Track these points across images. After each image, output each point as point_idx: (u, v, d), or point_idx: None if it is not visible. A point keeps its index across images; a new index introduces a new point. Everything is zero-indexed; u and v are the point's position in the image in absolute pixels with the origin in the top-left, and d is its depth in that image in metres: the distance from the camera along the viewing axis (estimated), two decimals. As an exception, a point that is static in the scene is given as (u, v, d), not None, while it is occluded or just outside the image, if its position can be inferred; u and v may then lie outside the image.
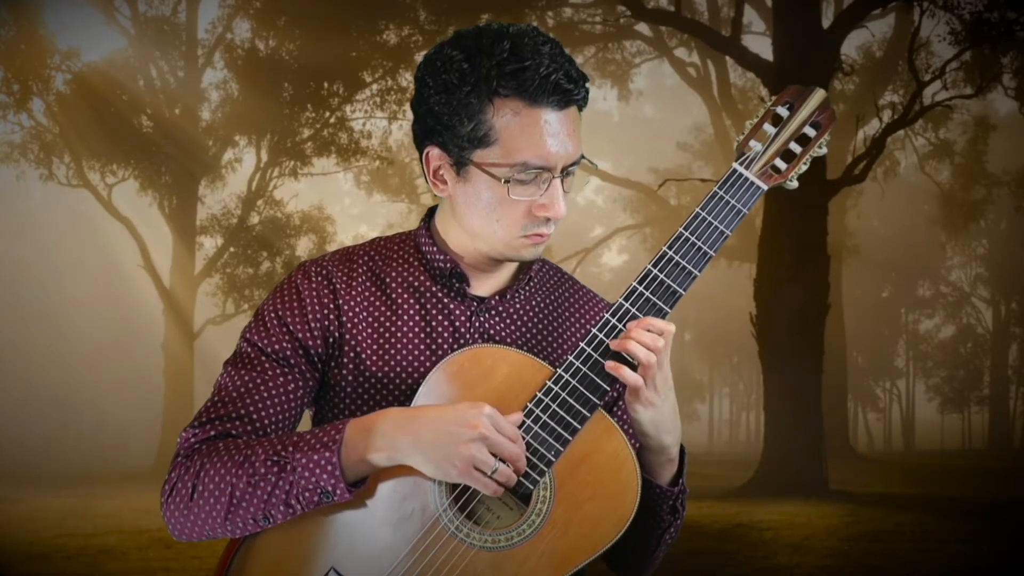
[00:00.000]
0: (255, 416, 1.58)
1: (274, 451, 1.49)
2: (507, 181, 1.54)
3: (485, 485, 1.45)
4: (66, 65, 21.00)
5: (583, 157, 1.60)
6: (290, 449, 1.48)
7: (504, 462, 1.46)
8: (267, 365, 1.60)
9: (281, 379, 1.60)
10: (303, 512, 1.49)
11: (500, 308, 1.67)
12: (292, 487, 1.47)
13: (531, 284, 1.71)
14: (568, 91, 1.53)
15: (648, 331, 1.51)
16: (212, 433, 1.56)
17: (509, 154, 1.53)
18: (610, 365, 1.52)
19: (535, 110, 1.52)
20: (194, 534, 1.55)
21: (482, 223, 1.59)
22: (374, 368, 1.62)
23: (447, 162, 1.59)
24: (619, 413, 1.72)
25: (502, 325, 1.66)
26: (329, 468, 1.46)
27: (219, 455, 1.51)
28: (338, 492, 1.47)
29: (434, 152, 1.60)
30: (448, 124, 1.55)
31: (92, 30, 23.38)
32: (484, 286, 1.68)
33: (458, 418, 1.45)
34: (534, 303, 1.70)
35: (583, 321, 1.74)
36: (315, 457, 1.46)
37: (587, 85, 1.58)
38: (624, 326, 1.54)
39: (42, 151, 21.66)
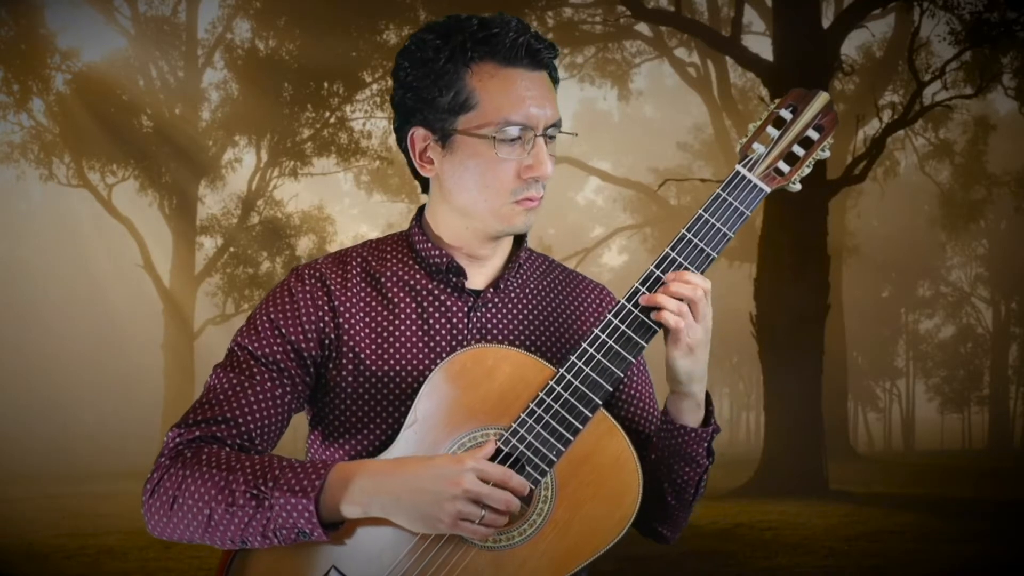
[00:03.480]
0: (241, 420, 1.58)
1: (255, 482, 1.48)
2: (494, 137, 1.56)
3: (474, 532, 1.45)
4: (66, 65, 21.00)
5: (560, 124, 1.62)
6: (270, 484, 1.47)
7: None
8: (256, 369, 1.60)
9: (269, 384, 1.60)
10: (281, 545, 1.50)
11: (496, 299, 1.68)
12: (269, 522, 1.47)
13: (522, 271, 1.72)
14: (538, 51, 1.58)
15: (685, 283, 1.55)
16: (197, 434, 1.56)
17: (491, 114, 1.56)
18: (646, 298, 1.55)
19: (510, 70, 1.57)
20: (173, 537, 1.56)
21: (472, 194, 1.60)
22: (374, 368, 1.62)
23: (432, 139, 1.61)
24: (623, 399, 1.73)
25: (499, 316, 1.67)
26: (306, 515, 1.46)
27: (201, 469, 1.51)
28: (315, 535, 1.47)
29: (418, 133, 1.62)
30: (428, 98, 1.58)
31: (92, 30, 23.36)
32: (478, 278, 1.68)
33: (439, 476, 1.44)
34: (528, 290, 1.71)
35: (577, 304, 1.75)
36: (292, 500, 1.46)
37: (557, 53, 1.63)
38: (626, 326, 1.55)
39: (42, 151, 21.63)
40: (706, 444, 1.65)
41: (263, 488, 1.47)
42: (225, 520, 1.49)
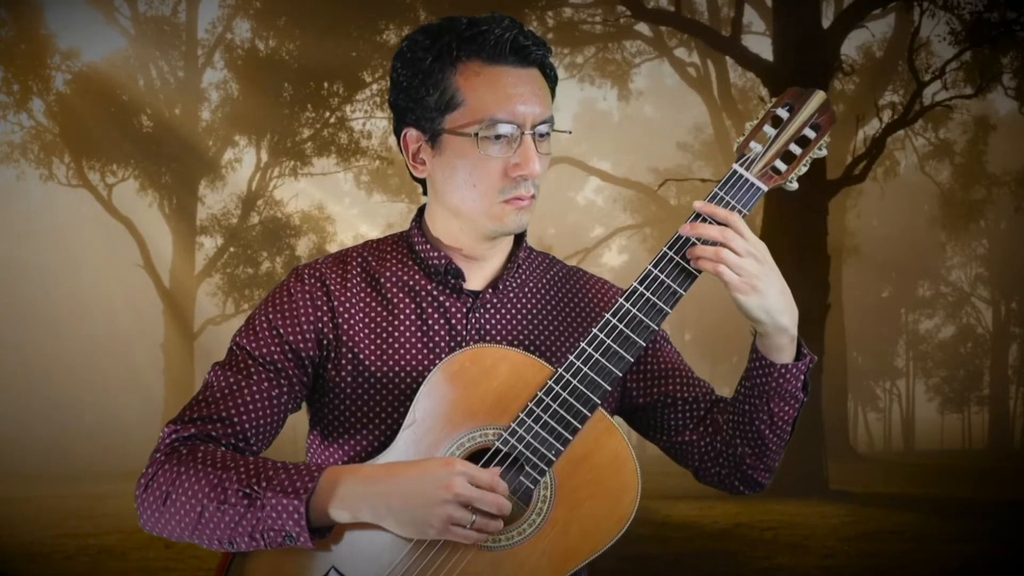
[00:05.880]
0: (236, 420, 1.58)
1: (248, 481, 1.48)
2: (477, 135, 1.55)
3: (466, 537, 1.44)
4: (66, 65, 20.99)
5: (553, 123, 1.61)
6: (263, 484, 1.47)
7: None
8: (253, 370, 1.61)
9: (266, 384, 1.60)
10: (268, 549, 1.49)
11: (495, 300, 1.68)
12: (259, 523, 1.47)
13: (521, 271, 1.71)
14: (525, 47, 1.57)
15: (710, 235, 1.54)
16: (193, 431, 1.57)
17: (476, 112, 1.56)
18: (694, 253, 1.55)
19: (496, 68, 1.57)
20: (164, 533, 1.56)
21: (461, 193, 1.60)
22: (373, 368, 1.62)
23: (423, 140, 1.62)
24: (660, 374, 1.73)
25: (498, 317, 1.67)
26: (296, 516, 1.45)
27: (195, 467, 1.51)
28: (301, 539, 1.46)
29: (411, 134, 1.63)
30: (417, 98, 1.59)
31: (92, 30, 23.36)
32: (477, 279, 1.68)
33: (430, 479, 1.43)
34: (527, 290, 1.71)
35: (578, 301, 1.74)
36: (284, 501, 1.45)
37: (549, 50, 1.61)
38: (624, 325, 1.55)
39: (42, 151, 21.64)
40: (803, 378, 1.65)
41: (256, 488, 1.47)
42: (216, 518, 1.49)
